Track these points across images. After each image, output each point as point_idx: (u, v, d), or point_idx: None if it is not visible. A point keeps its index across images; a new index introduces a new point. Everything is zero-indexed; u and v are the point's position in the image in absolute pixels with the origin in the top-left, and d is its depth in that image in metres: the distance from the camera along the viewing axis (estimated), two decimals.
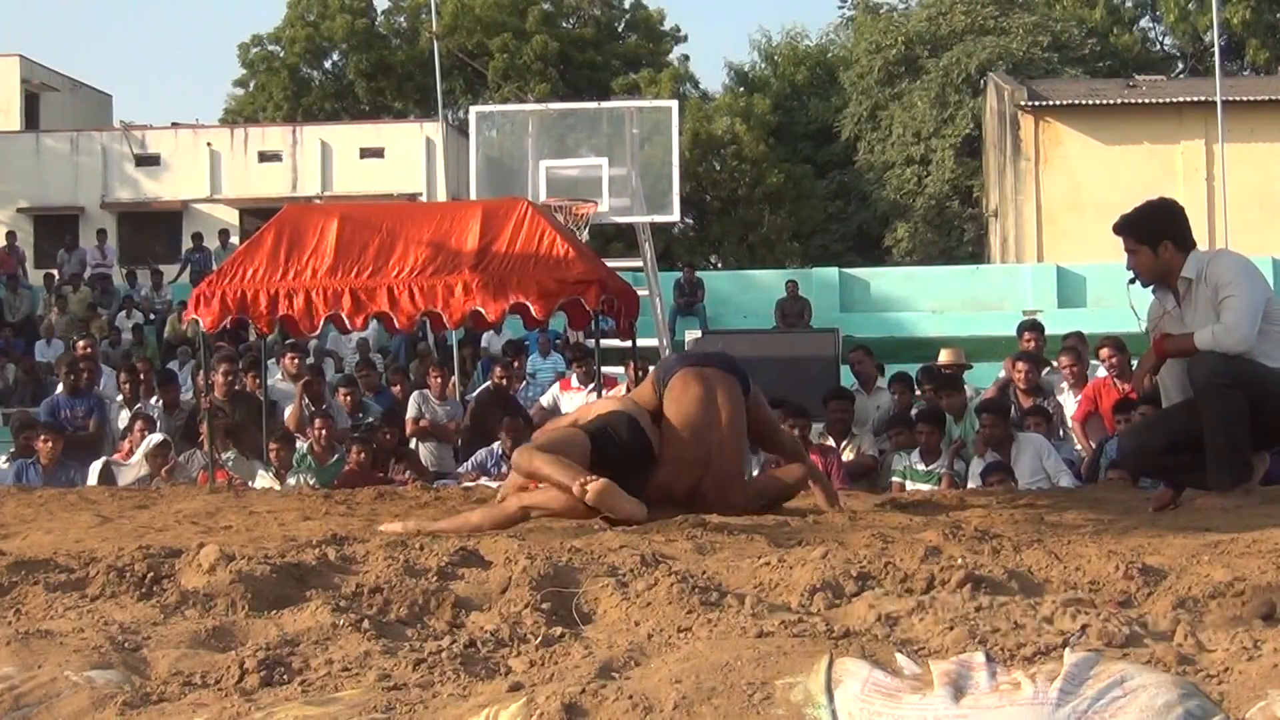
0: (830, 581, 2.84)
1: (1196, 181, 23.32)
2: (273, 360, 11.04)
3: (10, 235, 22.12)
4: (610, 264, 9.74)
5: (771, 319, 18.29)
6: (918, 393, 8.97)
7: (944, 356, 9.83)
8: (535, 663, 2.33)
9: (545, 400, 10.42)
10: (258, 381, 9.56)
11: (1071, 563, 3.16)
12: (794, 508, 5.26)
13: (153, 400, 10.26)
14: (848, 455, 8.21)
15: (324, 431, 8.76)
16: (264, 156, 26.99)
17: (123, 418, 9.86)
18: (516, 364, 10.87)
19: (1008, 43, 30.13)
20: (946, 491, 6.95)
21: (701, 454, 4.85)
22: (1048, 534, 4.12)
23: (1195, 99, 23.36)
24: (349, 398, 10.02)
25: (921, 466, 7.90)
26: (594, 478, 4.35)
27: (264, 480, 8.14)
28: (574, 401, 9.93)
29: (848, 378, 10.35)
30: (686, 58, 41.14)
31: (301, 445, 8.80)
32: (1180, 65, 35.31)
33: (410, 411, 9.63)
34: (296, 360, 10.91)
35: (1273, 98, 23.71)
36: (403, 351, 15.16)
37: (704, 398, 4.91)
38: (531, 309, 7.38)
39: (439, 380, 9.99)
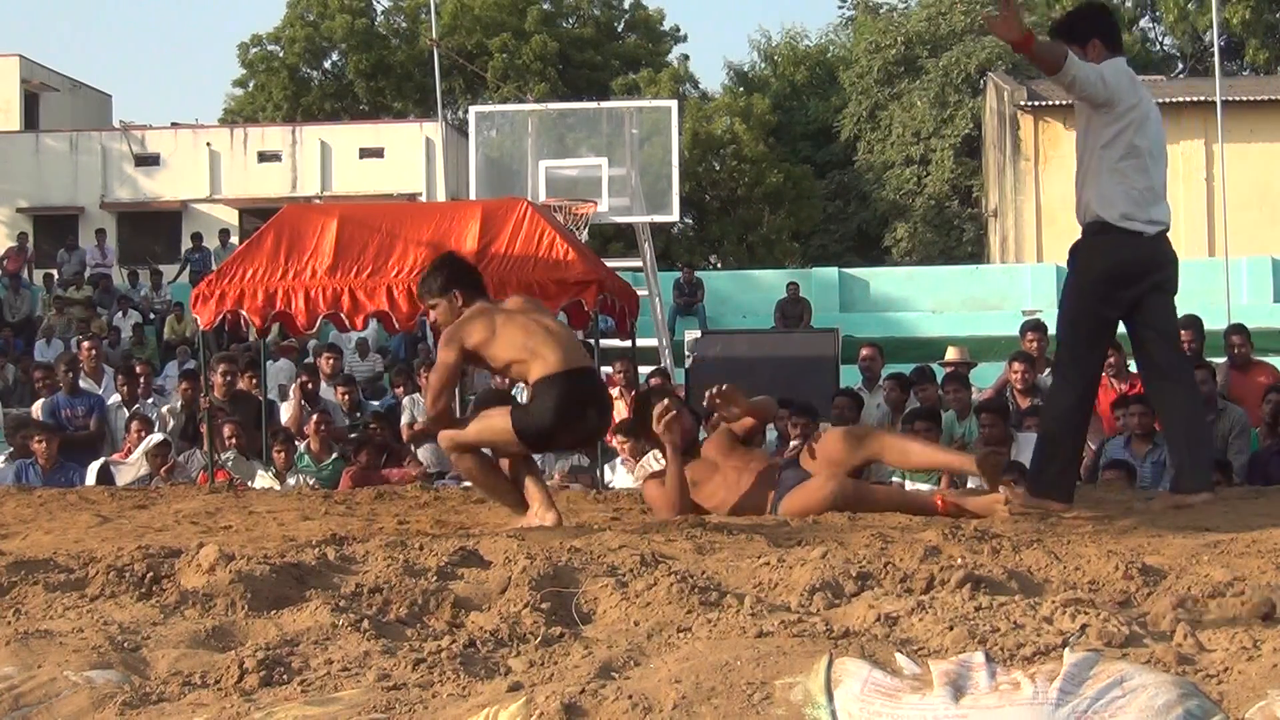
0: (830, 581, 2.84)
1: (1196, 181, 23.32)
2: (271, 360, 11.03)
3: (21, 236, 22.16)
4: (610, 264, 9.74)
5: (771, 319, 18.28)
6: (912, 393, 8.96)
7: (950, 354, 9.83)
8: (535, 663, 2.33)
9: None
10: (255, 381, 9.54)
11: (1071, 563, 3.16)
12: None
13: (150, 400, 10.25)
14: None
15: (324, 426, 8.75)
16: (264, 156, 26.98)
17: (123, 416, 9.84)
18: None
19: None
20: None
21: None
22: (1047, 534, 4.13)
23: (1195, 99, 23.35)
24: (347, 397, 10.00)
25: None
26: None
27: (264, 480, 8.14)
28: None
29: (847, 377, 10.33)
30: (686, 58, 41.16)
31: (301, 445, 8.80)
32: (1180, 65, 35.31)
33: (404, 418, 9.59)
34: (332, 360, 10.88)
35: (1272, 98, 23.71)
36: (403, 351, 15.15)
37: None
38: None
39: None
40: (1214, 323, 9.36)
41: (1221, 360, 9.01)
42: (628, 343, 9.41)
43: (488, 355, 4.79)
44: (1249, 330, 8.77)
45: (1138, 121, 4.83)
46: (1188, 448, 5.01)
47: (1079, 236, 5.03)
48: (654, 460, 7.64)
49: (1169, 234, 5.04)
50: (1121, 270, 4.89)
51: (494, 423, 4.81)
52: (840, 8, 38.55)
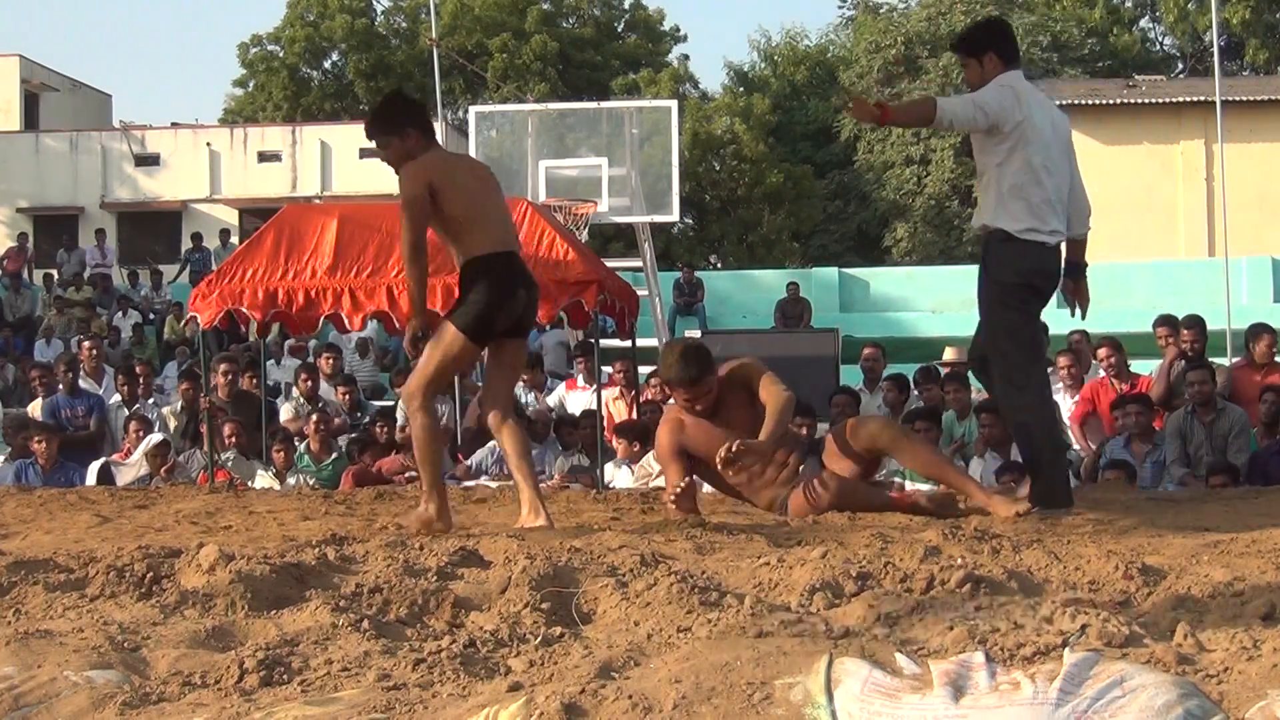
0: (830, 581, 2.84)
1: (1196, 181, 23.31)
2: (271, 361, 11.01)
3: (21, 236, 22.17)
4: (610, 264, 9.73)
5: (771, 319, 18.28)
6: (914, 392, 8.97)
7: (948, 354, 9.83)
8: (535, 663, 2.33)
9: (551, 400, 10.39)
10: (255, 381, 9.54)
11: (1071, 563, 3.16)
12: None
13: (150, 400, 10.25)
14: None
15: (324, 426, 8.75)
16: (264, 156, 26.98)
17: (123, 416, 9.84)
18: (528, 377, 10.36)
19: None
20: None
21: None
22: (1047, 534, 4.13)
23: (1195, 99, 23.34)
24: (348, 396, 9.99)
25: None
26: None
27: (264, 480, 8.14)
28: (580, 400, 9.91)
29: (848, 377, 10.33)
30: (686, 58, 41.17)
31: (301, 444, 8.81)
32: (1180, 65, 35.32)
33: (400, 419, 9.57)
34: (332, 360, 10.87)
35: (1272, 98, 23.69)
36: (403, 352, 15.14)
37: None
38: None
39: None
40: (1214, 323, 9.32)
41: (1223, 361, 8.98)
42: (628, 343, 9.41)
43: (441, 201, 4.76)
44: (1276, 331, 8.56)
45: (1028, 137, 4.88)
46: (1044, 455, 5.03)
47: (988, 249, 5.04)
48: (653, 460, 7.64)
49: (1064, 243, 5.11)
50: (1031, 277, 4.98)
51: (443, 337, 4.84)
52: (840, 8, 38.58)
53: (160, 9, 73.65)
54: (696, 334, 14.65)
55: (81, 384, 10.33)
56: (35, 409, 10.00)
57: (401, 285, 7.32)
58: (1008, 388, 5.04)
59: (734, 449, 4.85)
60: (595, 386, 8.79)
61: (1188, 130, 23.67)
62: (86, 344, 11.81)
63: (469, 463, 8.83)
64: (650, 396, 9.35)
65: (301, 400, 9.74)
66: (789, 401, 5.15)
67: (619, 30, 37.16)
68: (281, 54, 35.82)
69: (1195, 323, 8.38)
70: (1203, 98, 22.12)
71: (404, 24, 36.22)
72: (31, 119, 29.41)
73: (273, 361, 11.28)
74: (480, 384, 11.04)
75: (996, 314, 5.01)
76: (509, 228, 5.03)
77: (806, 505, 4.99)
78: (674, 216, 14.49)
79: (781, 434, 5.09)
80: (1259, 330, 8.24)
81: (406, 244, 4.75)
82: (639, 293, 9.87)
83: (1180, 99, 24.26)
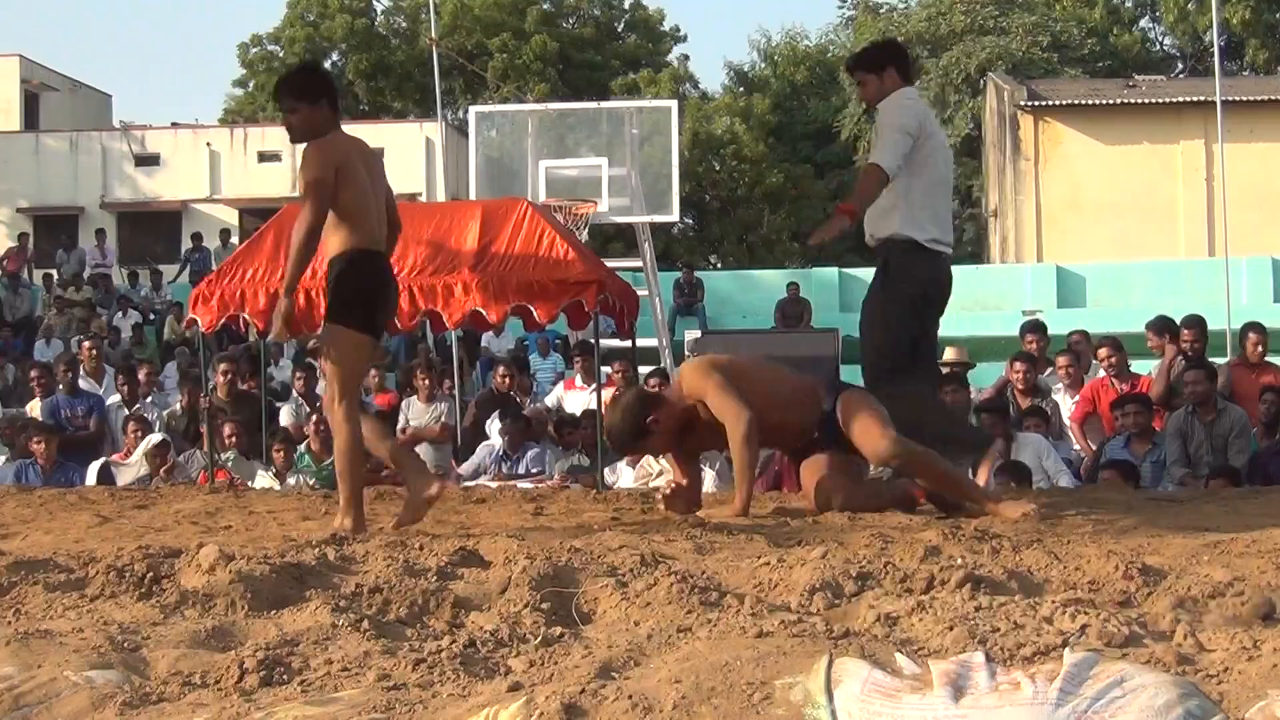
0: (830, 581, 2.84)
1: (1196, 181, 23.31)
2: (272, 361, 10.99)
3: (22, 236, 22.17)
4: (610, 264, 9.72)
5: (771, 319, 18.28)
6: None
7: (948, 354, 9.81)
8: (535, 663, 2.33)
9: (550, 400, 10.38)
10: (255, 382, 9.54)
11: (1071, 563, 3.16)
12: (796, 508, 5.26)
13: (149, 399, 10.24)
14: None
15: (323, 426, 8.73)
16: (264, 156, 26.99)
17: (123, 416, 9.83)
18: (509, 378, 10.41)
19: (1007, 43, 30.13)
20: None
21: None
22: (1047, 534, 4.13)
23: (1195, 99, 23.34)
24: None
25: None
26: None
27: (264, 480, 8.14)
28: (578, 400, 9.91)
29: (848, 378, 10.31)
30: (686, 58, 41.19)
31: (301, 445, 8.80)
32: (1180, 65, 35.32)
33: (400, 422, 9.55)
34: None
35: (1272, 98, 23.70)
36: (403, 352, 15.14)
37: None
38: (535, 313, 7.37)
39: (426, 383, 9.85)
40: (1214, 323, 9.33)
41: (1223, 360, 8.98)
42: (628, 343, 9.41)
43: (337, 188, 4.75)
44: (1266, 330, 8.68)
45: (933, 149, 5.17)
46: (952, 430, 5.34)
47: (892, 256, 5.26)
48: (653, 460, 7.64)
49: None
50: (929, 286, 5.24)
51: (335, 341, 4.82)
52: (840, 8, 38.61)
53: (160, 9, 73.73)
54: (696, 334, 14.65)
55: (81, 384, 10.33)
56: (35, 409, 10.00)
57: (401, 286, 7.31)
58: (879, 381, 5.23)
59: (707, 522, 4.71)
60: (595, 386, 8.78)
61: (1188, 130, 23.67)
62: (86, 344, 11.80)
63: (468, 464, 8.83)
64: None
65: (301, 402, 9.74)
66: (745, 450, 4.93)
67: (619, 30, 37.19)
68: (281, 54, 35.82)
69: (1195, 323, 8.39)
70: (1203, 98, 22.11)
71: (404, 24, 36.24)
72: (31, 119, 29.42)
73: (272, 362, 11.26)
74: (466, 385, 10.98)
75: (893, 316, 5.24)
76: (384, 227, 5.04)
77: (812, 499, 4.99)
78: (674, 216, 14.50)
79: (749, 495, 4.98)
80: (1247, 328, 8.52)
81: (306, 225, 4.73)
82: (639, 293, 9.86)
83: (1180, 99, 24.27)
